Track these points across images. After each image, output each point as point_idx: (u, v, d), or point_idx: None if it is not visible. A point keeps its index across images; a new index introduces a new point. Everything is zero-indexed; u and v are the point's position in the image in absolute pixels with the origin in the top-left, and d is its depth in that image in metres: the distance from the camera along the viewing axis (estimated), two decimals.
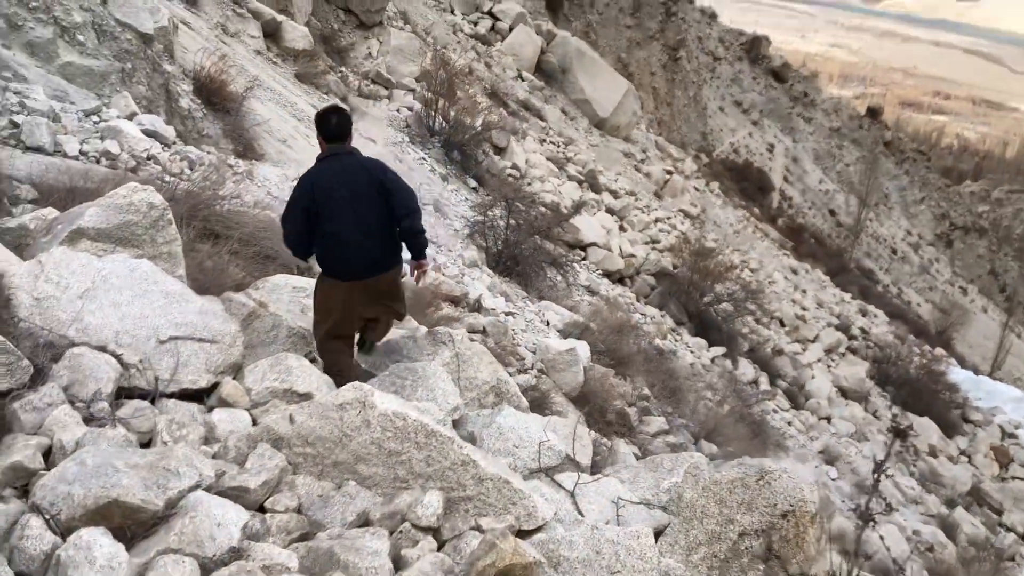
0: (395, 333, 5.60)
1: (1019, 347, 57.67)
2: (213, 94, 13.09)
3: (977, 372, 38.88)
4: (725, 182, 44.35)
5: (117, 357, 3.76)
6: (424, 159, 17.18)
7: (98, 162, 7.70)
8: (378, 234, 5.24)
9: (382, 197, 5.16)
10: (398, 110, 19.44)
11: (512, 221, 14.44)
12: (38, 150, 7.28)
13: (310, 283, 6.36)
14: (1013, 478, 24.70)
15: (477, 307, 10.66)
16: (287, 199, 5.41)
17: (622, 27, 58.05)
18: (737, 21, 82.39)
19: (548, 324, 12.05)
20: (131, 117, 9.35)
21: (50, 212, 5.19)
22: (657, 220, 25.57)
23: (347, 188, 5.12)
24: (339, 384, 4.51)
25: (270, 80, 14.97)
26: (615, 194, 24.81)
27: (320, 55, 18.41)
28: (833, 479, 16.16)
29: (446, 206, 15.51)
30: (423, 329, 5.59)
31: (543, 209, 16.42)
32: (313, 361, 5.35)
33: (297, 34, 17.57)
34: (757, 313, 21.15)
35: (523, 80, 28.85)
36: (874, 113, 78.80)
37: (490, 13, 30.40)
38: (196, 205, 7.97)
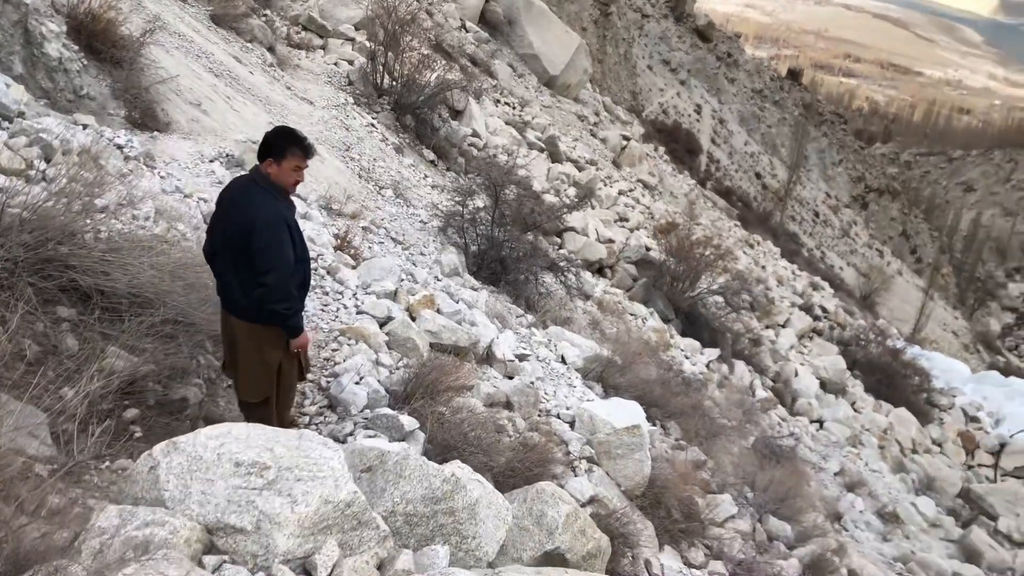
0: None
1: (935, 312, 57.34)
2: (96, 38, 9.12)
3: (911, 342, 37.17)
4: (656, 144, 41.53)
5: None
6: (373, 126, 13.47)
7: None
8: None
9: (245, 247, 4.21)
10: (336, 63, 15.57)
11: (497, 212, 10.99)
12: None
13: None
14: (980, 465, 23.03)
15: (486, 357, 7.25)
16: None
17: None
18: None
19: (565, 361, 8.73)
20: None
21: None
22: (620, 193, 22.39)
23: (223, 220, 4.36)
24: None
25: (177, 22, 11.00)
26: (577, 164, 21.48)
27: None
28: (860, 511, 13.49)
29: (408, 189, 11.90)
30: None
31: (520, 190, 13.00)
32: None
33: None
34: (753, 308, 18.23)
35: (467, 32, 25.03)
36: (795, 75, 77.27)
37: None
38: (45, 237, 4.33)
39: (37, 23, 8.29)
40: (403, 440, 4.61)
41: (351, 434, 4.65)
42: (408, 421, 4.67)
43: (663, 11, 68.34)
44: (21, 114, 5.75)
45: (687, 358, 14.93)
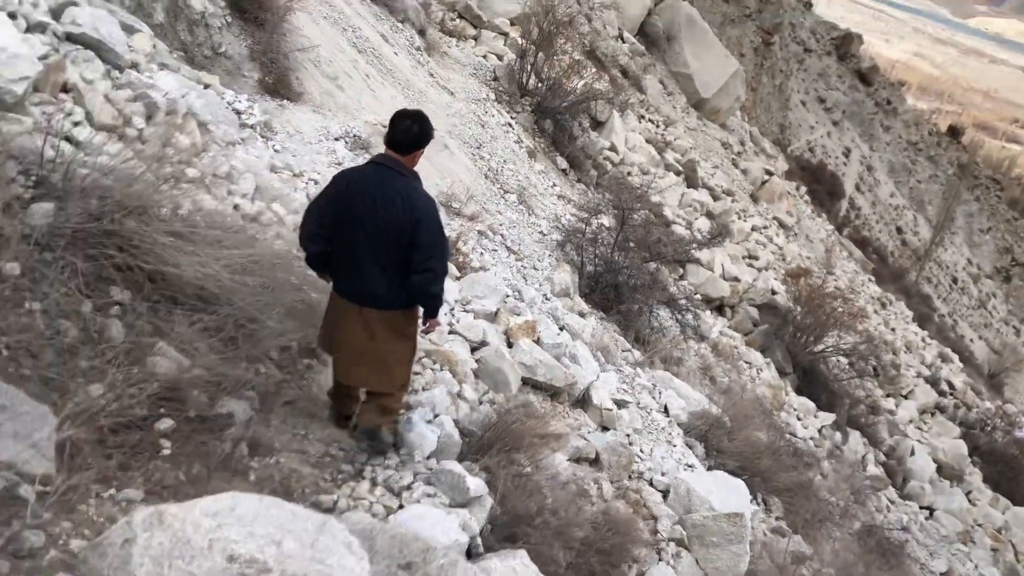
0: None
1: None
2: None
3: None
4: (799, 183, 39.55)
5: None
6: (510, 126, 12.83)
7: None
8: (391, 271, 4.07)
9: (404, 241, 3.99)
10: (485, 56, 15.03)
11: (621, 236, 10.15)
12: None
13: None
14: None
15: (582, 399, 6.46)
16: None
17: (719, 0, 52.79)
18: (824, 14, 75.90)
19: (668, 413, 7.84)
20: (64, 7, 5.12)
21: None
22: (754, 229, 21.09)
23: (370, 213, 3.98)
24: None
25: None
26: (713, 192, 20.33)
27: None
28: None
29: (533, 196, 11.20)
30: None
31: (648, 213, 12.10)
32: None
33: None
34: (877, 374, 16.76)
35: (623, 42, 24.15)
36: (955, 133, 72.74)
37: None
38: (112, 207, 3.78)
39: None
40: (466, 505, 3.89)
41: (409, 487, 3.96)
42: (475, 485, 3.93)
43: (827, 48, 65.51)
44: (135, 65, 5.31)
45: (799, 419, 13.73)
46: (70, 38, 4.92)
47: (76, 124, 4.26)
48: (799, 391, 15.03)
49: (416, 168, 4.24)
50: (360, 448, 4.28)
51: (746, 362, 13.60)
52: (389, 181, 3.99)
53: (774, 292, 17.31)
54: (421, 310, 4.23)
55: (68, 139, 4.09)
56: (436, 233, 4.02)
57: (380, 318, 4.10)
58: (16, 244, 3.45)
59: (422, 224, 3.95)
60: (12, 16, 4.47)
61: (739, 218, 20.82)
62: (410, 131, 4.05)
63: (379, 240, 3.96)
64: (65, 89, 4.47)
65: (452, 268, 6.78)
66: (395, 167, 4.04)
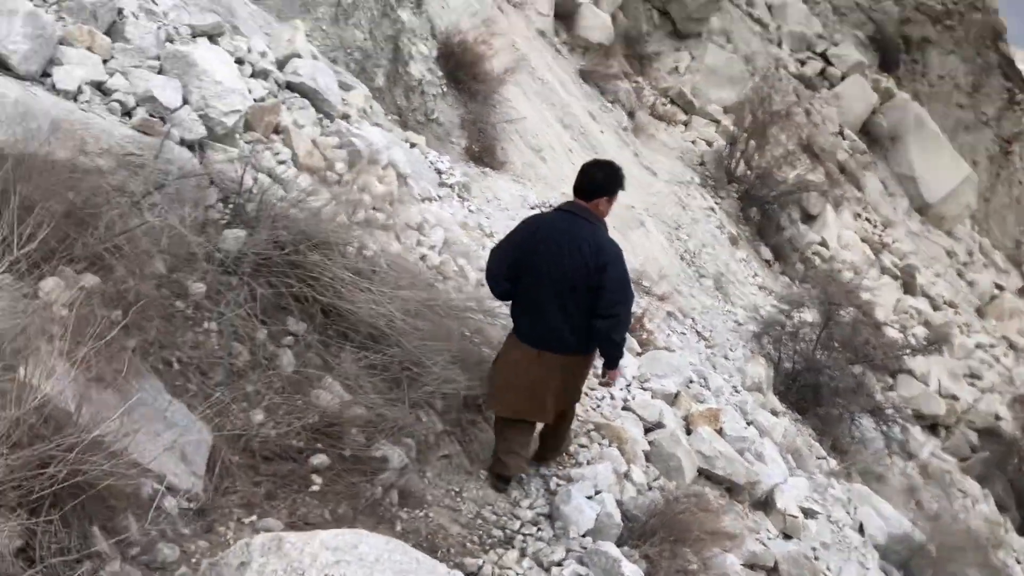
0: None
1: None
2: (462, 68, 9.16)
3: None
4: None
5: None
6: (713, 210, 12.48)
7: (128, 115, 3.81)
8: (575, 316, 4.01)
9: (590, 286, 3.93)
10: (694, 141, 14.85)
11: (825, 333, 9.46)
12: (8, 71, 3.49)
13: None
14: None
15: (764, 502, 5.90)
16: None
17: (953, 105, 49.83)
18: None
19: (863, 532, 7.04)
20: (288, 59, 5.46)
21: None
22: (978, 346, 19.21)
23: (555, 260, 3.94)
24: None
25: (544, 69, 10.88)
26: (932, 302, 18.78)
27: (618, 55, 14.18)
28: None
29: (731, 283, 10.74)
30: None
31: (858, 312, 11.23)
32: None
33: (596, 23, 13.43)
34: None
35: (843, 138, 23.19)
36: None
37: (823, 55, 24.84)
38: (301, 239, 3.85)
39: (408, 42, 8.40)
40: None
41: (559, 564, 3.67)
42: (632, 572, 3.58)
43: None
44: (346, 117, 5.56)
45: (1019, 563, 12.05)
46: (290, 86, 5.24)
47: (281, 163, 4.46)
48: (1022, 532, 13.27)
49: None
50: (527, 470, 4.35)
51: (960, 490, 12.18)
52: (576, 228, 3.97)
53: (998, 417, 15.59)
54: (600, 361, 4.21)
55: (270, 174, 4.27)
56: (623, 279, 4.00)
57: (559, 363, 4.05)
58: (205, 265, 3.57)
59: (608, 269, 3.91)
60: (240, 62, 4.80)
61: (961, 332, 19.07)
62: (594, 178, 4.06)
63: (564, 285, 3.93)
64: (277, 131, 4.71)
65: (633, 343, 6.50)
66: (581, 214, 4.01)
